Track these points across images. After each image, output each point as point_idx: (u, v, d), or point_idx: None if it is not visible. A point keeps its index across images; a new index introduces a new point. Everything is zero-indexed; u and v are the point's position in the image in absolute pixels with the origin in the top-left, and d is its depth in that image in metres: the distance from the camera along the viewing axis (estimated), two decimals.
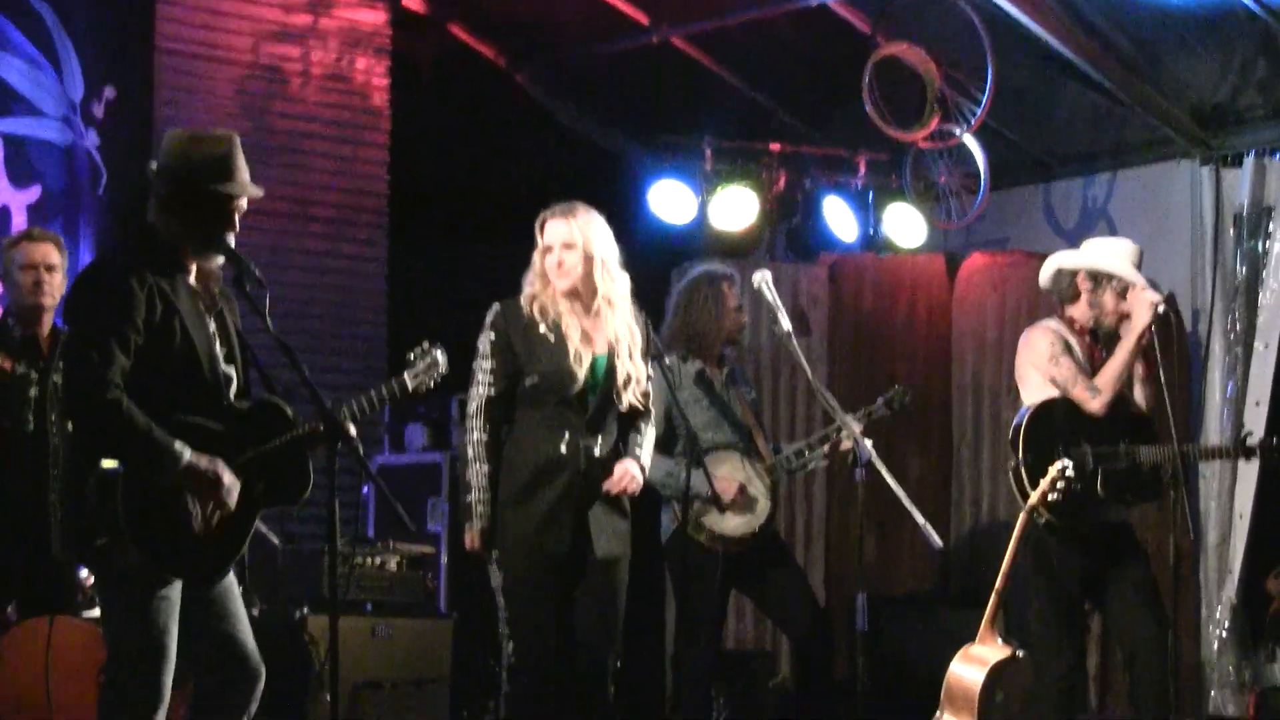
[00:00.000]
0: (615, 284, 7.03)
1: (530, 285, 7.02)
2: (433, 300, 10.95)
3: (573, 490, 6.91)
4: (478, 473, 6.91)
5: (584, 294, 6.99)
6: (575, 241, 6.94)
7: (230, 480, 5.50)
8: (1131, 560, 7.85)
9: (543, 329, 6.95)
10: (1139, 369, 7.89)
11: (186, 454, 5.42)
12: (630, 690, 7.24)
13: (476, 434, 6.94)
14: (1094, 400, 7.75)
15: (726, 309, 8.29)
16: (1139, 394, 7.94)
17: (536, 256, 7.03)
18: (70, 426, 5.69)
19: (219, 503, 5.49)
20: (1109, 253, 7.97)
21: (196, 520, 5.47)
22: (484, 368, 6.96)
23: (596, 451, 6.97)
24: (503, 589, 6.89)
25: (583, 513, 6.93)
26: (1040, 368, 7.83)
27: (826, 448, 8.26)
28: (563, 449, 6.91)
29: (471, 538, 6.93)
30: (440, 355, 6.21)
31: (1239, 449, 8.12)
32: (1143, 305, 7.70)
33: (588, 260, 6.95)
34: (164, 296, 5.54)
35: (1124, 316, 7.88)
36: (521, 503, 6.89)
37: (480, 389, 6.96)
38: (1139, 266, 7.95)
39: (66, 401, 5.56)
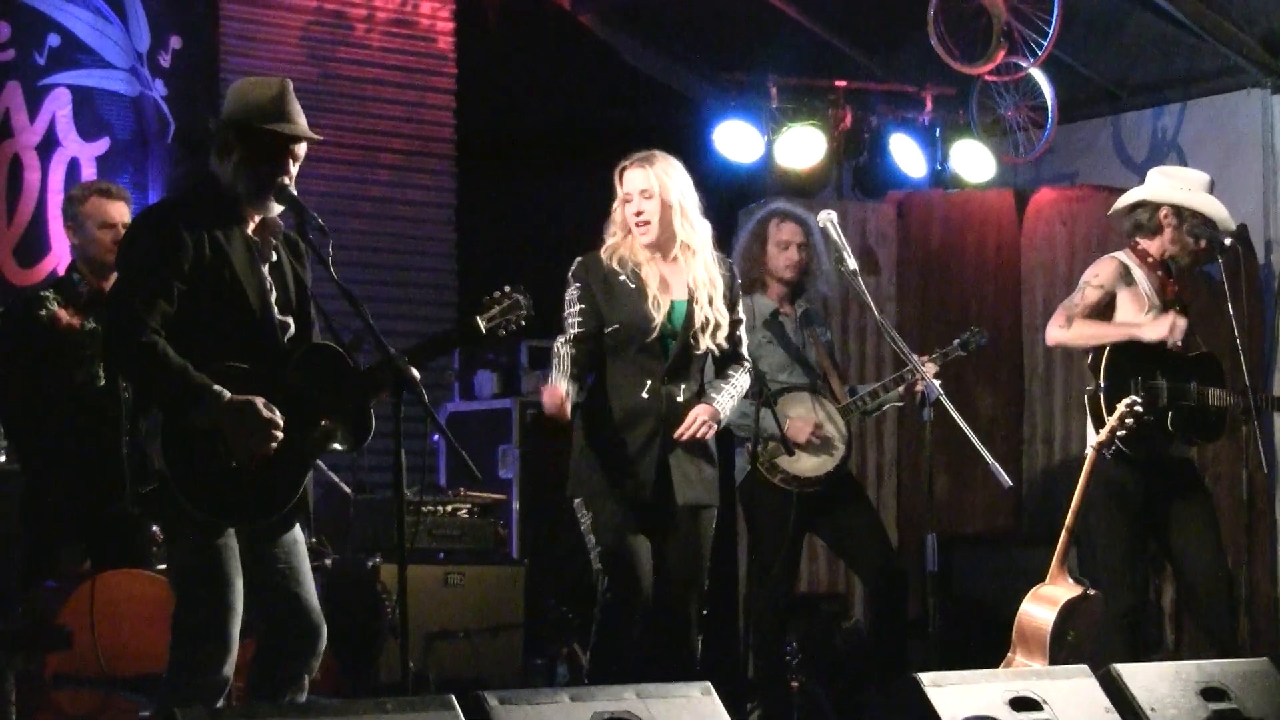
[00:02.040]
0: (695, 231, 7.03)
1: (611, 236, 7.05)
2: (501, 244, 10.94)
3: (655, 436, 6.92)
4: (563, 354, 6.93)
5: (664, 242, 7.00)
6: (653, 189, 6.95)
7: (269, 418, 5.50)
8: (1196, 496, 7.81)
9: (622, 278, 6.98)
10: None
11: (224, 395, 5.43)
12: (705, 632, 7.24)
13: (564, 350, 6.94)
14: (1057, 332, 7.75)
15: (768, 247, 8.24)
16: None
17: (616, 207, 7.04)
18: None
19: (260, 442, 5.50)
20: (1190, 187, 7.87)
21: (240, 459, 5.48)
22: (571, 311, 7.00)
23: (679, 397, 6.97)
24: (593, 528, 6.91)
25: (665, 460, 6.94)
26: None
27: (901, 389, 8.23)
28: (644, 394, 6.93)
29: (549, 394, 6.90)
30: (524, 298, 6.14)
31: None
32: (1160, 328, 7.60)
33: (666, 208, 6.96)
34: (215, 244, 5.56)
35: (1199, 253, 7.82)
36: (607, 448, 6.92)
37: (569, 330, 6.98)
38: (1212, 193, 7.89)
39: (105, 343, 5.59)
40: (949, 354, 8.32)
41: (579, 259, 7.06)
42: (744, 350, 7.20)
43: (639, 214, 6.96)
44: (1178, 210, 7.82)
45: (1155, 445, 7.66)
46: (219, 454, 5.49)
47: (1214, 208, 7.83)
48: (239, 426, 5.47)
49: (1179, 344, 7.61)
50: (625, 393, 6.94)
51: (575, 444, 7.02)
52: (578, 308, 6.98)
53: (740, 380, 7.16)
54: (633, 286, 6.96)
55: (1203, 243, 7.81)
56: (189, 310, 5.51)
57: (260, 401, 5.49)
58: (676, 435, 6.91)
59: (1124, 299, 7.81)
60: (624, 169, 7.01)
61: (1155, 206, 7.85)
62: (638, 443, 6.91)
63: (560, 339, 7.02)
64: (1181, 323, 7.61)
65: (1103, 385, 7.64)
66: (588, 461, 6.94)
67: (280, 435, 5.52)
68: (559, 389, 6.87)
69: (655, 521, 6.95)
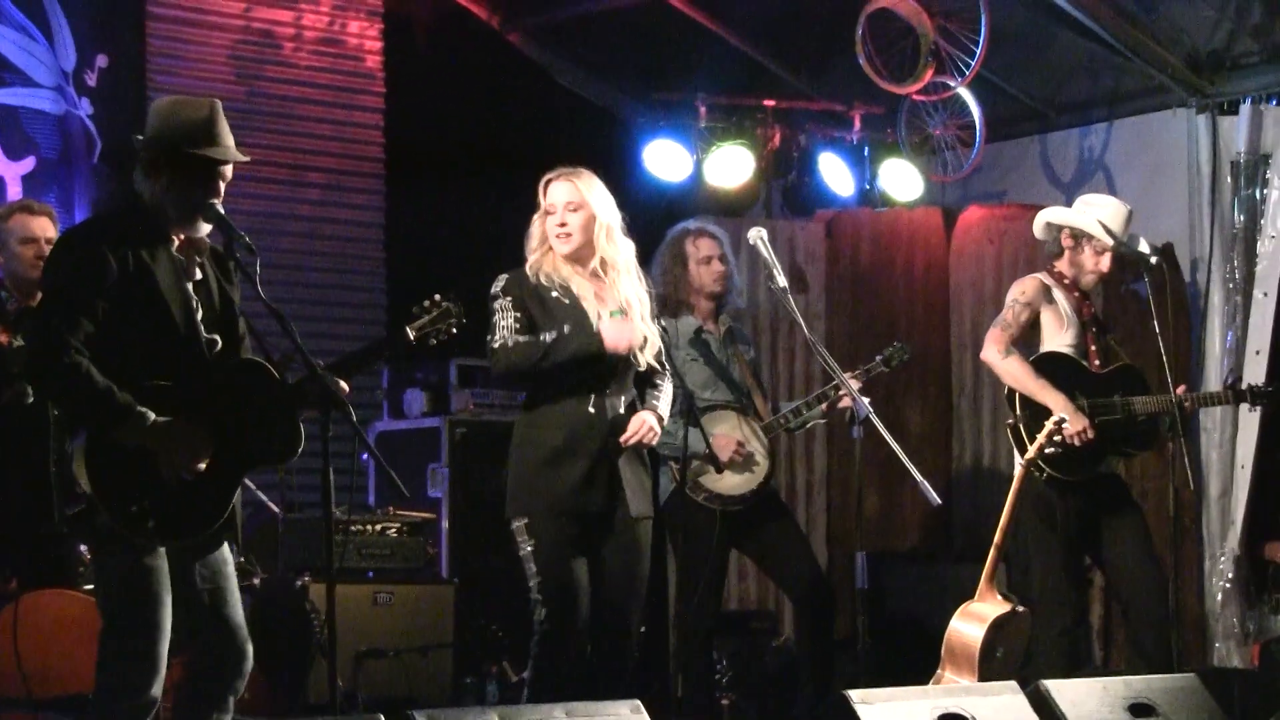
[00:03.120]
0: (619, 248, 7.00)
1: (533, 252, 7.00)
2: (431, 262, 10.91)
3: (605, 449, 6.89)
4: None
5: (584, 255, 6.97)
6: (578, 202, 6.92)
7: (195, 436, 5.49)
8: (1127, 511, 7.90)
9: (554, 294, 6.92)
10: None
11: (148, 416, 5.42)
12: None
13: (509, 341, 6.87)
14: (994, 356, 7.84)
15: (689, 265, 8.25)
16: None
17: (537, 220, 7.00)
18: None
19: (185, 463, 5.49)
20: (1094, 212, 8.01)
21: (167, 478, 5.47)
22: (505, 320, 6.88)
23: (621, 409, 6.97)
24: (533, 555, 6.84)
25: (614, 471, 6.92)
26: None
27: (824, 405, 8.24)
28: (590, 409, 6.90)
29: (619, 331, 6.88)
30: (454, 306, 6.11)
31: (1232, 393, 8.14)
32: (1078, 422, 7.67)
33: (590, 220, 6.93)
34: (139, 262, 5.55)
35: (1101, 275, 7.94)
36: (555, 465, 6.86)
37: (500, 333, 6.87)
38: (1126, 226, 7.99)
39: (27, 363, 5.56)
40: (871, 370, 8.33)
41: (503, 276, 6.98)
42: (664, 360, 7.18)
43: (562, 225, 6.92)
44: (1074, 232, 7.97)
45: (1085, 465, 7.72)
46: (145, 473, 5.46)
47: (1103, 232, 7.92)
48: (164, 447, 5.46)
49: (1085, 440, 7.67)
50: (568, 408, 6.89)
51: (515, 462, 6.95)
52: (512, 315, 6.88)
53: (667, 388, 7.15)
54: (567, 302, 6.92)
55: (1101, 265, 7.92)
56: (113, 329, 5.49)
57: (184, 423, 5.47)
58: (623, 440, 6.89)
59: (1046, 317, 7.94)
60: (549, 181, 6.97)
61: (1059, 228, 8.02)
62: (588, 457, 6.86)
63: (497, 344, 6.87)
64: (1088, 434, 7.67)
65: (1020, 415, 7.73)
66: (532, 480, 6.88)
67: (205, 455, 5.51)
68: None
69: (599, 534, 6.91)
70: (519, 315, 6.90)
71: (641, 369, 7.03)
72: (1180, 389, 7.89)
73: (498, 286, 6.97)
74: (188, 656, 5.77)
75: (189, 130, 5.67)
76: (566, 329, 6.82)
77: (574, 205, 6.92)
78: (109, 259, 5.51)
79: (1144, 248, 8.03)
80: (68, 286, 5.52)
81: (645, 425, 6.93)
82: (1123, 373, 7.94)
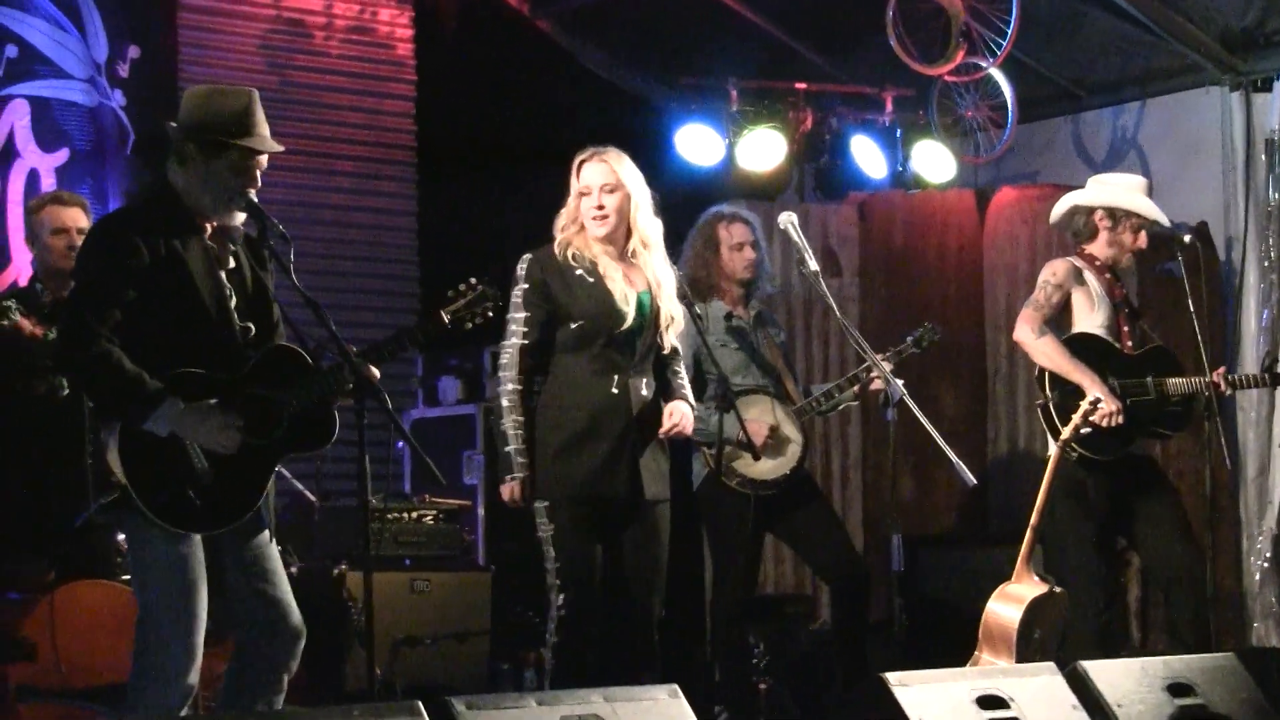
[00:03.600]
0: (652, 227, 7.01)
1: (563, 231, 6.99)
2: (463, 250, 10.91)
3: (629, 433, 6.89)
4: (513, 424, 6.88)
5: (620, 236, 6.97)
6: (614, 183, 6.92)
7: (225, 420, 5.52)
8: (1161, 492, 7.87)
9: (580, 272, 6.92)
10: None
11: (179, 403, 5.45)
12: (670, 634, 7.23)
13: (509, 385, 6.91)
14: (1027, 336, 7.78)
15: (724, 248, 8.24)
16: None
17: (572, 200, 6.99)
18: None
19: (223, 443, 5.53)
20: (1123, 189, 7.97)
21: (199, 469, 5.48)
22: (516, 318, 6.92)
23: (645, 391, 6.97)
24: (553, 539, 6.85)
25: (636, 455, 6.92)
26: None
27: (856, 388, 8.23)
28: (614, 390, 6.89)
29: (511, 490, 6.90)
30: (490, 289, 6.13)
31: (1269, 376, 8.09)
32: (1110, 403, 7.63)
33: (626, 200, 6.93)
34: (171, 251, 5.58)
35: (1140, 252, 7.90)
36: (578, 449, 6.86)
37: (513, 339, 6.93)
38: (1150, 196, 7.96)
39: (57, 352, 5.59)
40: (903, 351, 8.33)
41: (529, 256, 6.98)
42: (678, 345, 7.17)
43: (600, 207, 6.92)
44: (1110, 212, 7.92)
45: (1118, 445, 7.70)
46: (178, 462, 5.48)
47: (1146, 207, 7.91)
48: (197, 432, 5.47)
49: (1117, 422, 7.64)
50: (592, 389, 6.89)
51: (540, 445, 6.93)
52: (524, 314, 6.91)
53: (685, 376, 7.17)
54: (592, 281, 6.91)
55: (1140, 241, 7.89)
56: (146, 317, 5.52)
57: (216, 409, 5.49)
58: (662, 433, 6.91)
59: (1078, 299, 7.91)
60: (582, 162, 6.96)
61: (1089, 210, 7.98)
62: (611, 439, 6.86)
63: (504, 358, 6.95)
64: (1119, 417, 7.64)
65: (1050, 396, 7.71)
66: (553, 464, 6.88)
67: (237, 439, 5.52)
68: (515, 486, 6.88)
69: (619, 518, 6.92)
70: (529, 315, 6.91)
71: (665, 350, 7.03)
72: (1219, 372, 7.86)
73: (521, 268, 6.97)
74: (231, 644, 5.79)
75: (227, 119, 5.69)
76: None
77: (610, 187, 6.92)
78: (140, 248, 5.54)
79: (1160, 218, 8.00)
80: (99, 276, 5.55)
81: (684, 417, 6.95)
82: (1155, 354, 7.91)
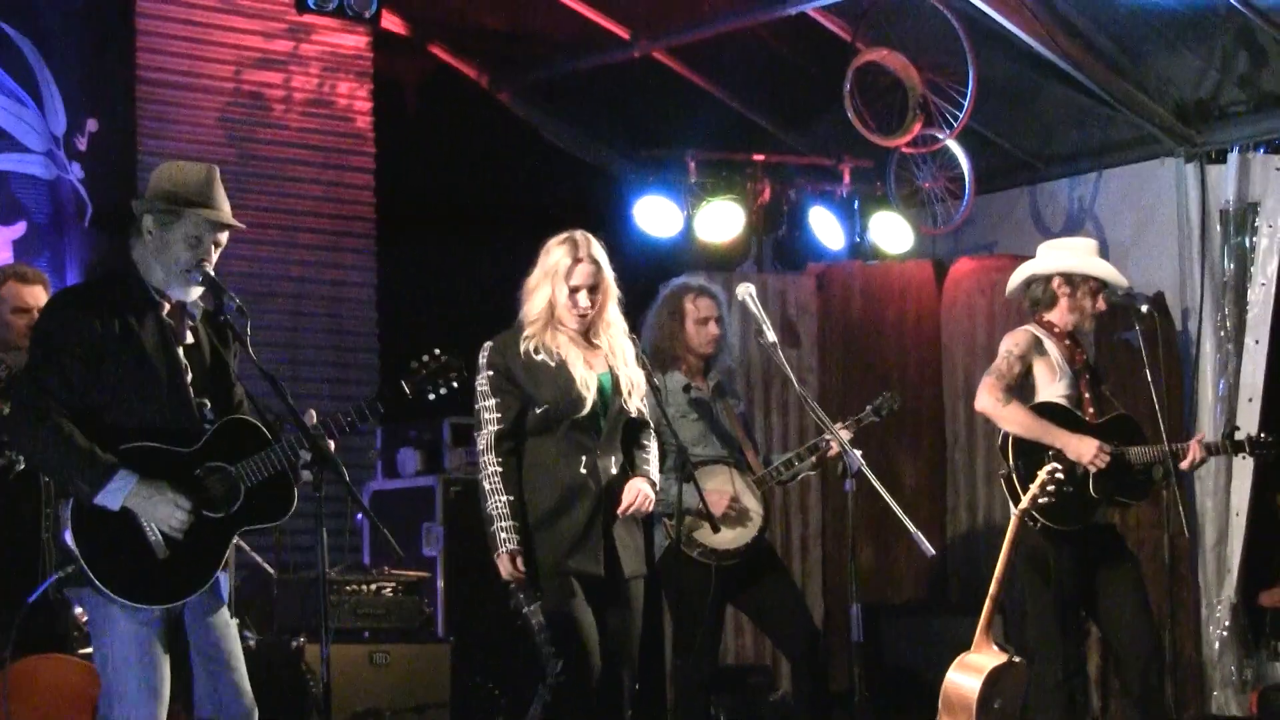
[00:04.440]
0: (617, 312, 7.11)
1: (533, 322, 7.02)
2: (424, 322, 10.93)
3: (598, 511, 6.94)
4: (498, 503, 6.90)
5: (592, 326, 7.06)
6: (601, 283, 6.99)
7: (176, 499, 5.49)
8: (1121, 562, 7.87)
9: (541, 357, 6.97)
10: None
11: (132, 478, 5.44)
12: (633, 706, 7.23)
13: (490, 468, 6.95)
14: (991, 404, 7.79)
15: (689, 321, 8.26)
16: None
17: (549, 292, 7.02)
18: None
19: (172, 522, 5.49)
20: (1077, 254, 7.99)
21: (153, 543, 5.47)
22: (487, 406, 6.98)
23: (613, 470, 7.03)
24: (541, 609, 6.85)
25: (609, 533, 6.97)
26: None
27: (815, 457, 8.24)
28: (581, 470, 6.95)
29: (503, 564, 6.91)
30: (454, 359, 6.12)
31: (1226, 445, 8.11)
32: (1088, 450, 7.65)
33: (604, 296, 7.02)
34: (125, 327, 5.57)
35: (1100, 315, 7.91)
36: (550, 529, 6.91)
37: (488, 428, 6.97)
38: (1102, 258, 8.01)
39: (10, 426, 5.58)
40: (862, 420, 8.35)
41: (489, 344, 7.03)
42: (647, 413, 7.22)
43: (589, 308, 6.98)
44: (1068, 278, 7.93)
45: (1080, 514, 7.70)
46: (132, 536, 5.47)
47: (1102, 269, 7.94)
48: (147, 509, 5.46)
49: (1098, 466, 7.65)
50: (561, 470, 6.95)
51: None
52: (493, 400, 6.97)
53: (653, 446, 7.24)
54: (554, 366, 6.96)
55: (1100, 304, 7.91)
56: (100, 393, 5.52)
57: (167, 487, 5.47)
58: (620, 512, 6.95)
59: (1039, 368, 7.89)
60: (577, 261, 6.97)
61: (1046, 279, 7.97)
62: (582, 519, 6.92)
63: (481, 444, 6.99)
64: (1104, 456, 7.66)
65: (1013, 465, 7.71)
66: (528, 544, 6.91)
67: (189, 515, 5.51)
68: (507, 558, 6.87)
69: (595, 595, 6.95)
70: (499, 401, 6.95)
71: (633, 415, 7.07)
72: (1198, 438, 7.89)
73: (483, 356, 7.02)
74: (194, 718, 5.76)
75: (183, 191, 5.70)
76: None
77: (594, 287, 6.99)
78: (94, 323, 5.54)
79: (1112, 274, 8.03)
80: (52, 350, 5.55)
81: (641, 495, 7.01)
82: (1118, 422, 7.90)
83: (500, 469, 6.94)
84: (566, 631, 6.84)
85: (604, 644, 6.96)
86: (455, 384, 6.12)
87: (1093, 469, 7.60)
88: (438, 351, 6.10)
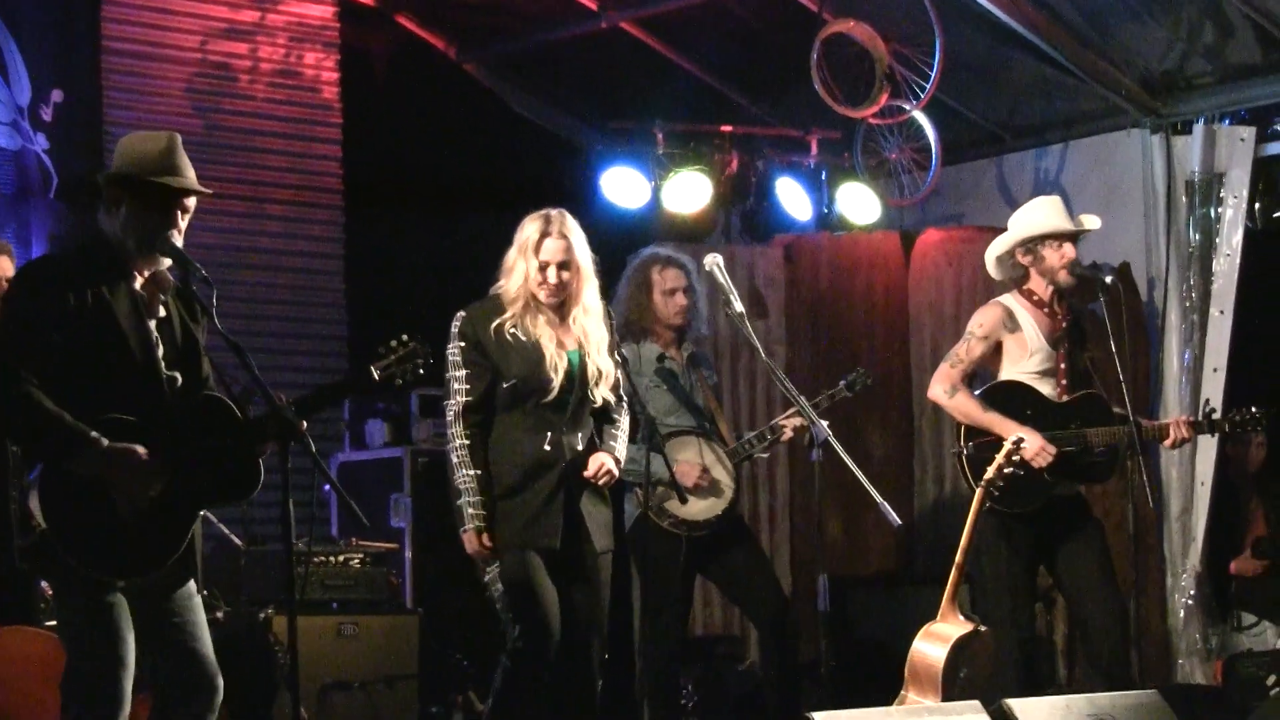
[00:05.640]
0: (593, 293, 7.12)
1: (512, 298, 7.05)
2: (392, 293, 10.93)
3: (561, 486, 7.00)
4: (465, 477, 6.96)
5: (564, 304, 7.09)
6: (571, 260, 7.02)
7: (150, 463, 5.48)
8: (1085, 531, 7.87)
9: (513, 332, 7.01)
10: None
11: (102, 442, 5.42)
12: (601, 677, 7.26)
13: (458, 440, 7.00)
14: (940, 396, 7.82)
15: (656, 292, 8.27)
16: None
17: (520, 263, 7.04)
18: None
19: (141, 489, 5.49)
20: (1026, 216, 7.98)
21: (123, 509, 5.46)
22: (457, 376, 7.03)
23: (579, 446, 7.08)
24: (500, 575, 6.94)
25: (574, 507, 7.02)
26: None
27: (789, 431, 8.27)
28: (546, 446, 7.00)
29: (469, 540, 6.95)
30: (421, 346, 6.11)
31: (1202, 424, 8.11)
32: (1033, 444, 7.63)
33: (577, 274, 7.05)
34: (98, 298, 5.55)
35: (1071, 266, 7.86)
36: (511, 502, 6.97)
37: (457, 398, 7.02)
38: (1064, 210, 7.96)
39: None
40: (835, 395, 8.39)
41: (462, 314, 7.08)
42: (621, 391, 7.25)
43: (557, 284, 7.00)
44: (1025, 246, 7.90)
45: (1038, 495, 7.71)
46: (101, 507, 5.46)
47: (1052, 221, 7.87)
48: (119, 473, 5.45)
49: (1039, 465, 7.65)
50: (526, 445, 7.01)
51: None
52: (463, 372, 7.02)
53: (624, 423, 7.28)
54: (525, 340, 7.01)
55: (1067, 252, 7.85)
56: (71, 364, 5.49)
57: (140, 449, 5.46)
58: (588, 475, 6.98)
59: (1009, 345, 7.88)
60: (543, 236, 7.01)
61: (1009, 254, 7.95)
62: (544, 494, 6.98)
63: (450, 415, 7.03)
64: (1047, 456, 7.67)
65: (965, 447, 7.72)
66: (496, 517, 6.95)
67: (160, 483, 5.50)
68: (473, 535, 6.91)
69: (563, 569, 7.01)
70: (469, 373, 7.00)
71: (598, 404, 7.11)
72: (1182, 420, 7.92)
73: (455, 326, 7.07)
74: (156, 692, 5.76)
75: (148, 160, 5.68)
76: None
77: (566, 264, 7.02)
78: (66, 293, 5.51)
79: (1089, 223, 8.00)
80: (22, 320, 5.52)
81: (603, 467, 7.06)
82: (1085, 401, 7.87)
83: (467, 441, 6.98)
84: (523, 599, 6.91)
85: (572, 617, 7.01)
86: (421, 370, 6.11)
87: (1035, 463, 7.60)
88: (405, 338, 6.08)
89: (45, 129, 10.12)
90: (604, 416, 7.22)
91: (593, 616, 7.11)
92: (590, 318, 7.11)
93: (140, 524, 5.52)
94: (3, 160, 10.01)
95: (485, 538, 6.92)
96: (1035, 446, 7.59)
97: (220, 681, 5.74)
